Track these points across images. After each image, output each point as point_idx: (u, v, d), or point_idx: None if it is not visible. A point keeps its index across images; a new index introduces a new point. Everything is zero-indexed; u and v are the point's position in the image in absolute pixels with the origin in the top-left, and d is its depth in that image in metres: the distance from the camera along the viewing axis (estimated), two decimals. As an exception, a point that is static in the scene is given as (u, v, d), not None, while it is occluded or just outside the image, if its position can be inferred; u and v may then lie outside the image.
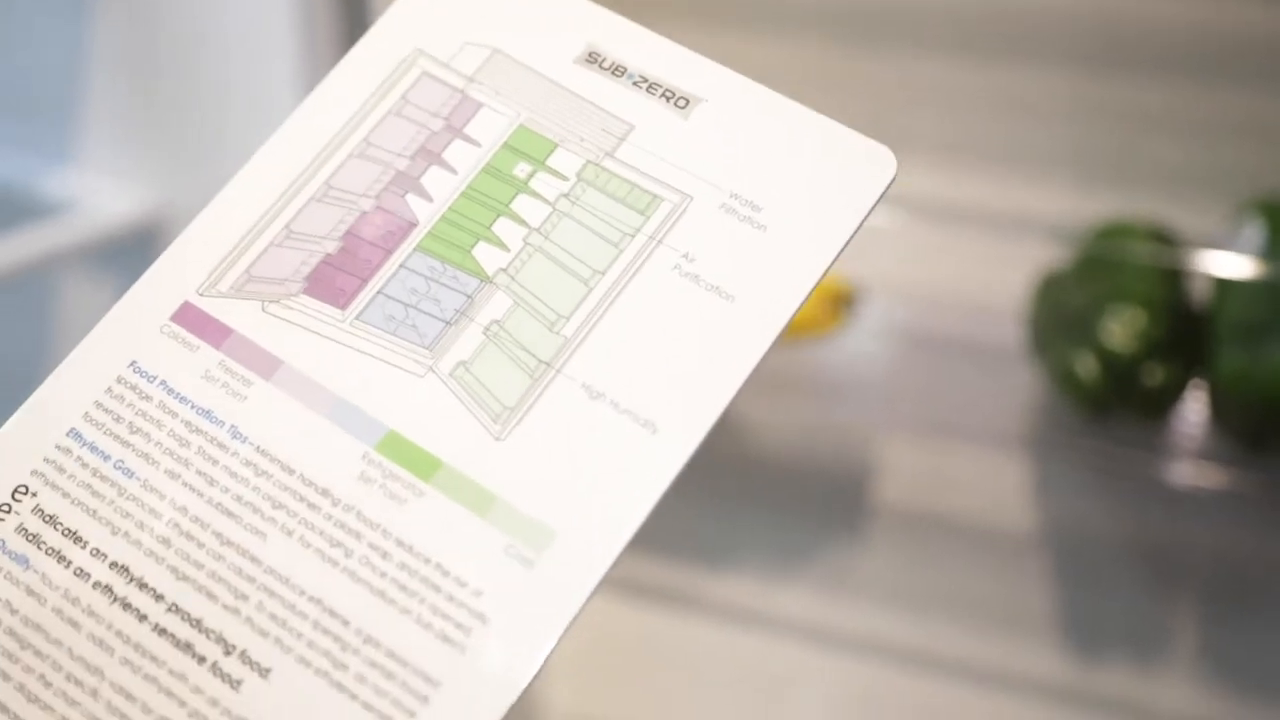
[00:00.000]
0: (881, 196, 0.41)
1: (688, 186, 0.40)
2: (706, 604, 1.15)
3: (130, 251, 1.09)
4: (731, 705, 1.15)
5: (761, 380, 0.99)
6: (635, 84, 0.43)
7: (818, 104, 1.10)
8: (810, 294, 0.39)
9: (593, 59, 0.44)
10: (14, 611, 0.34)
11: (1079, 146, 0.96)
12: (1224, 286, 0.83)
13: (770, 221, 0.39)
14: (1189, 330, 0.83)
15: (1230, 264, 0.82)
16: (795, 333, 0.86)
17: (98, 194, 1.09)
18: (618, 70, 0.43)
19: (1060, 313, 0.87)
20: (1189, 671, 1.02)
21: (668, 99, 0.43)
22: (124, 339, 0.39)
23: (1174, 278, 0.85)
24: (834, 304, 0.90)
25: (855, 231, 0.40)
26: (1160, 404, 0.85)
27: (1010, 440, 0.96)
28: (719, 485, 1.12)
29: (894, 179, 0.40)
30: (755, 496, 1.13)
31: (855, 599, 1.10)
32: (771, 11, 1.00)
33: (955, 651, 1.08)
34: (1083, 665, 1.04)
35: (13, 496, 0.36)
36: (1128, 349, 0.83)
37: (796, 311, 0.38)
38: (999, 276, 0.94)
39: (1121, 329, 0.83)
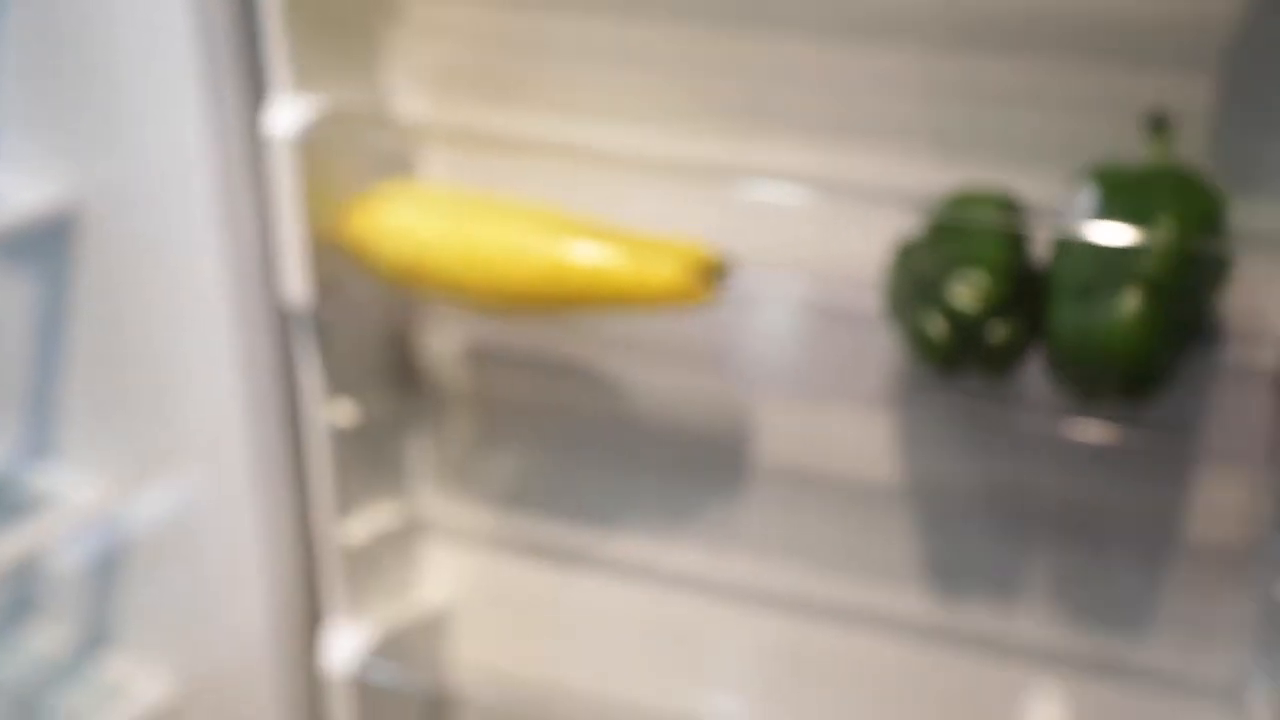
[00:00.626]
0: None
1: None
2: (601, 561, 1.16)
3: (43, 239, 1.13)
4: (627, 653, 1.17)
5: (641, 348, 1.01)
6: None
7: (694, 85, 1.07)
8: None
9: None
10: None
11: (935, 123, 0.96)
12: (1061, 249, 0.85)
13: None
14: (1030, 290, 0.84)
15: (1066, 228, 0.84)
16: (670, 302, 0.93)
17: (10, 189, 1.11)
18: None
19: (913, 277, 0.88)
20: (1042, 605, 1.05)
21: None
22: None
23: (1016, 242, 0.85)
24: (706, 275, 0.89)
25: None
26: (1005, 359, 0.86)
27: (874, 399, 0.97)
28: (607, 451, 1.14)
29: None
30: (642, 460, 1.14)
31: (739, 551, 1.12)
32: None
33: (830, 595, 1.11)
34: (946, 603, 1.07)
35: None
36: (973, 309, 0.84)
37: None
38: (861, 246, 0.95)
39: (967, 290, 0.84)
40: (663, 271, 0.92)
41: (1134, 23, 0.91)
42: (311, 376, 1.06)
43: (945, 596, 1.08)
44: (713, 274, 0.91)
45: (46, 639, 1.32)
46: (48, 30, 1.07)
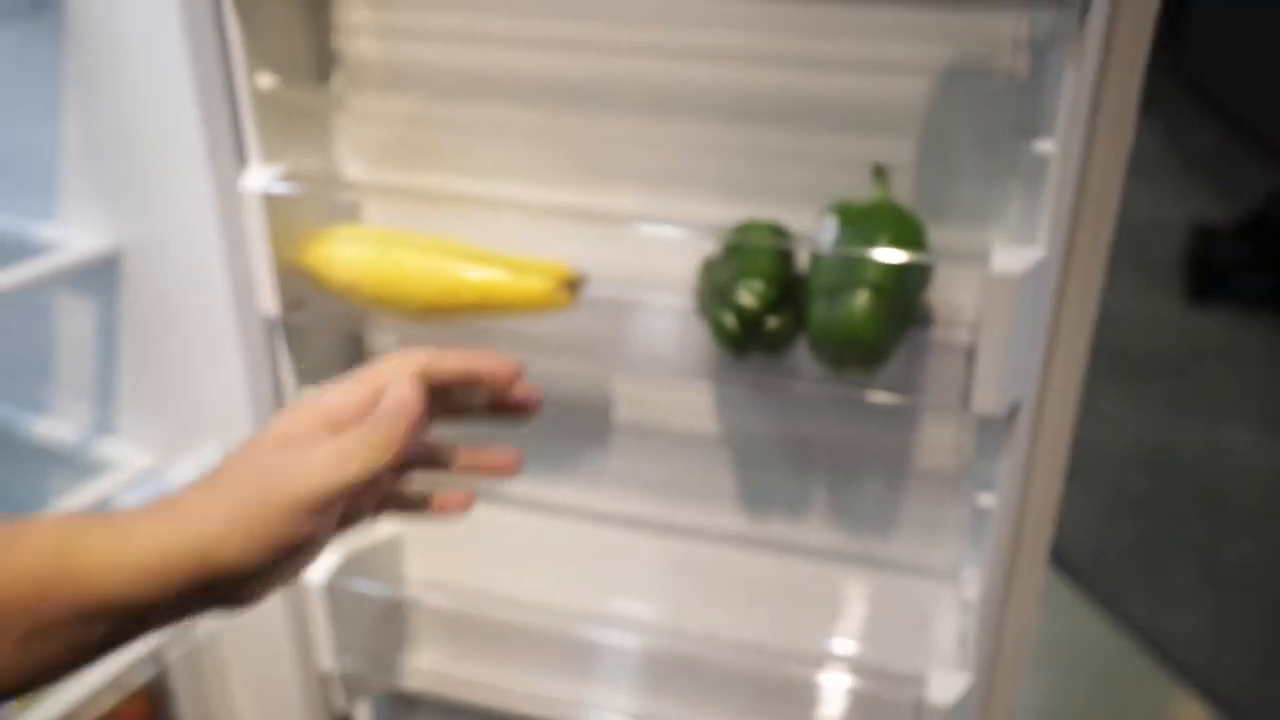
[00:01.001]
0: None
1: None
2: (511, 499, 1.20)
3: (98, 274, 1.14)
4: (534, 566, 1.20)
5: (522, 344, 1.02)
6: None
7: (556, 151, 1.05)
8: None
9: None
10: None
11: (725, 174, 1.02)
12: (814, 262, 0.90)
13: None
14: (795, 293, 0.91)
15: (817, 247, 0.89)
16: (542, 307, 0.96)
17: (70, 237, 1.14)
18: None
19: (713, 284, 0.95)
20: (819, 518, 1.11)
21: None
22: None
23: (784, 257, 0.91)
24: (567, 286, 0.96)
25: None
26: (779, 343, 0.93)
27: (696, 373, 1.02)
28: (490, 423, 1.13)
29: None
30: (536, 424, 1.11)
31: (606, 488, 1.17)
32: (511, 87, 1.05)
33: (673, 518, 1.16)
34: (753, 520, 1.13)
35: None
36: (754, 306, 0.91)
37: None
38: (678, 262, 1.00)
39: (749, 294, 0.91)
40: (535, 284, 0.96)
41: (861, 103, 0.96)
42: (286, 368, 1.08)
43: (752, 514, 1.13)
44: (572, 286, 0.96)
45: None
46: (96, 121, 1.08)
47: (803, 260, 0.93)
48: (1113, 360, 2.81)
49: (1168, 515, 2.28)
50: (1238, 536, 2.20)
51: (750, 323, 0.91)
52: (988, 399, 0.85)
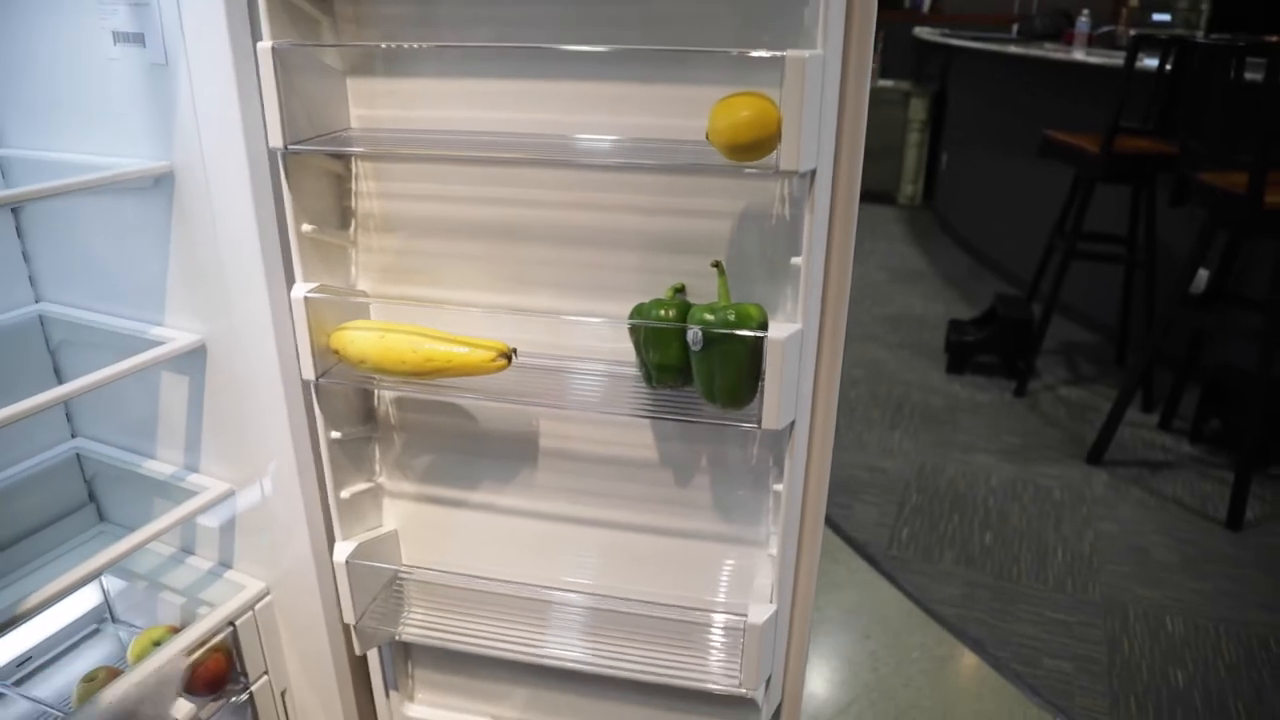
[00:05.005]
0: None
1: None
2: (473, 505, 1.16)
3: (190, 360, 1.14)
4: (493, 552, 1.17)
5: (475, 394, 0.97)
6: None
7: (496, 270, 1.00)
8: None
9: None
10: None
11: (604, 281, 0.99)
12: (699, 347, 0.90)
13: None
14: (685, 350, 0.90)
15: (695, 325, 0.87)
16: (489, 370, 0.95)
17: (173, 331, 1.13)
18: None
19: (641, 343, 0.93)
20: (688, 509, 1.10)
21: None
22: None
23: (679, 331, 0.90)
24: (504, 356, 0.96)
25: None
26: (678, 379, 0.93)
27: (595, 409, 1.00)
28: (470, 446, 1.12)
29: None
30: (487, 449, 1.13)
31: (539, 495, 1.14)
32: (466, 228, 1.03)
33: (588, 514, 1.13)
34: (644, 512, 1.10)
35: None
36: (664, 361, 0.92)
37: None
38: (576, 339, 1.02)
39: (654, 353, 0.92)
40: (483, 355, 0.97)
41: (692, 235, 0.97)
42: (318, 416, 1.06)
43: (641, 509, 1.12)
44: (508, 356, 0.98)
45: (198, 562, 1.28)
46: (192, 255, 1.08)
47: (688, 331, 0.88)
48: (899, 413, 2.87)
49: (936, 517, 2.28)
50: (982, 530, 2.23)
51: (662, 368, 0.93)
52: (772, 419, 0.91)
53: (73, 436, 1.34)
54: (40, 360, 1.27)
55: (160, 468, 1.24)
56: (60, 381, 1.27)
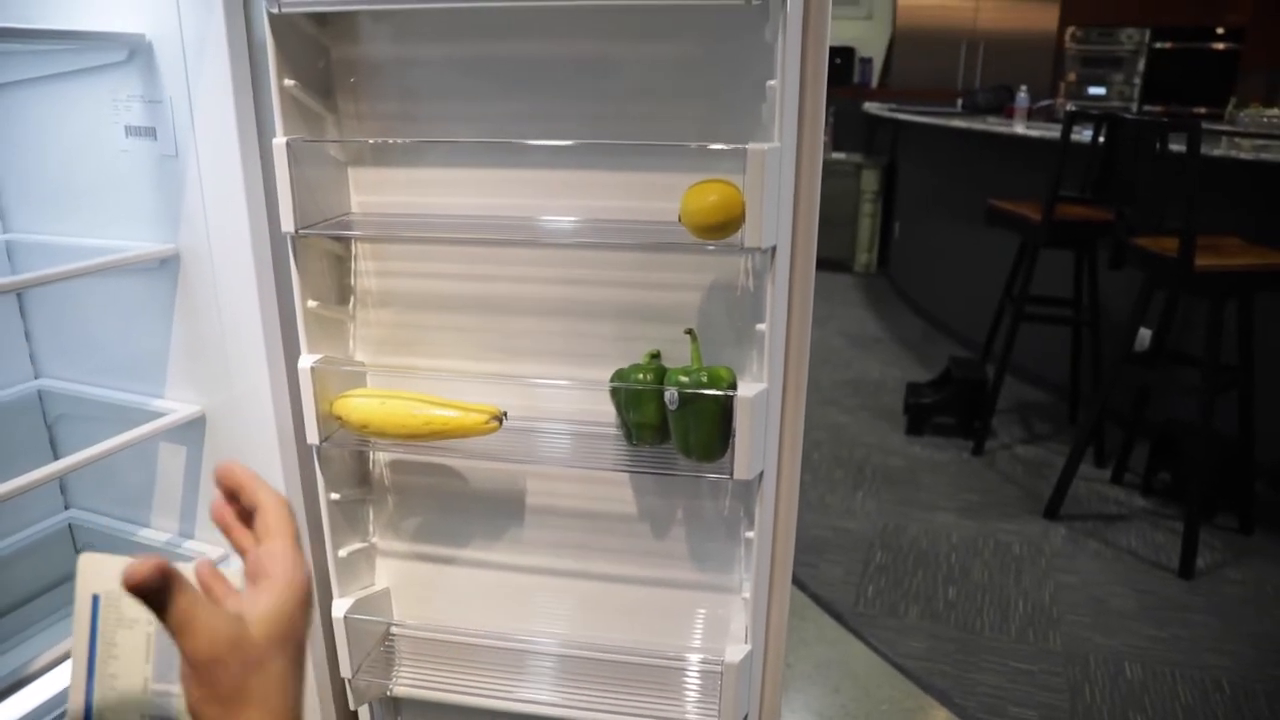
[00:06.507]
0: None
1: None
2: (465, 560, 1.19)
3: (190, 430, 1.16)
4: (483, 605, 1.20)
5: (468, 455, 1.05)
6: None
7: (486, 342, 1.07)
8: None
9: None
10: None
11: (585, 350, 1.04)
12: (675, 405, 0.95)
13: None
14: (663, 410, 0.96)
15: (671, 386, 0.94)
16: (481, 432, 0.99)
17: (174, 403, 1.16)
18: None
19: (622, 404, 0.99)
20: (665, 560, 1.12)
21: None
22: None
23: (655, 392, 0.96)
24: (495, 419, 1.01)
25: None
26: (657, 436, 0.99)
27: (577, 467, 1.07)
28: (462, 504, 1.16)
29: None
30: (478, 506, 1.16)
31: (527, 549, 1.18)
32: (457, 303, 1.07)
33: (570, 567, 1.15)
34: (622, 564, 1.14)
35: None
36: (643, 420, 0.97)
37: None
38: (560, 404, 1.06)
39: (634, 414, 0.98)
40: (475, 419, 1.02)
41: (664, 306, 1.04)
42: (320, 479, 1.09)
43: (620, 561, 1.16)
44: (498, 419, 1.03)
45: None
46: (195, 330, 1.11)
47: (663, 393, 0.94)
48: (861, 474, 2.92)
49: (900, 574, 2.32)
50: (945, 585, 2.28)
51: (641, 426, 0.98)
52: (743, 469, 0.98)
53: (66, 508, 1.37)
54: (37, 433, 1.31)
55: (155, 535, 1.26)
56: (56, 454, 1.30)
